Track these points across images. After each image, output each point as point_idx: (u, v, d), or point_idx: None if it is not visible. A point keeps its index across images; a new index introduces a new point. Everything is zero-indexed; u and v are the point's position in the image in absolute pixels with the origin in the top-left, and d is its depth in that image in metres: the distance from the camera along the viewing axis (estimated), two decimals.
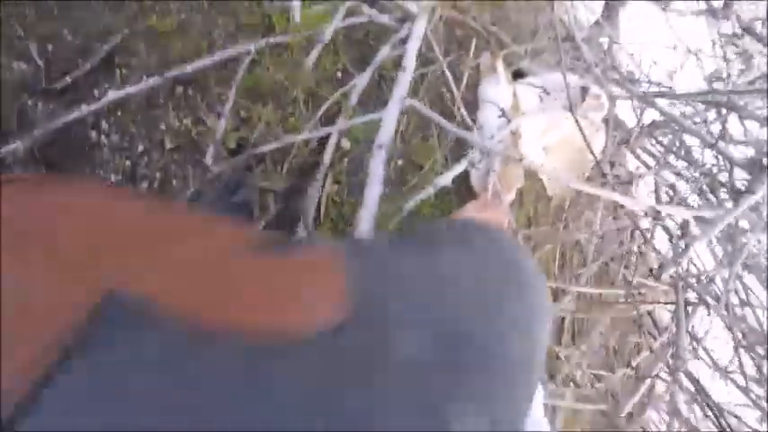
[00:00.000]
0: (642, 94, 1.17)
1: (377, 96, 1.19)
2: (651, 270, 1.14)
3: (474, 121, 1.40)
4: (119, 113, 0.89)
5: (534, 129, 1.37)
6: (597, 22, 1.62)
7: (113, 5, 0.92)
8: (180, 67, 0.89)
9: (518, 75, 1.61)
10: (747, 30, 1.36)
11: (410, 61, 0.93)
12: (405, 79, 0.85)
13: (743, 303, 1.10)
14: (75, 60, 0.87)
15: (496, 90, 1.48)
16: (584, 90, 1.35)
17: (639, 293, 0.96)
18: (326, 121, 1.05)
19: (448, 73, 1.09)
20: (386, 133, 0.80)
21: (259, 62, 1.03)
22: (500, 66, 1.52)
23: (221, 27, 1.05)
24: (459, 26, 1.58)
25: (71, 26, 0.88)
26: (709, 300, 0.96)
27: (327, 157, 1.02)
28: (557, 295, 1.02)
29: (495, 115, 1.41)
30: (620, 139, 1.29)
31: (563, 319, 1.08)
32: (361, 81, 1.06)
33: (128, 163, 0.89)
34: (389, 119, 0.79)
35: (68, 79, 0.85)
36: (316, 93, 1.08)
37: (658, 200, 1.30)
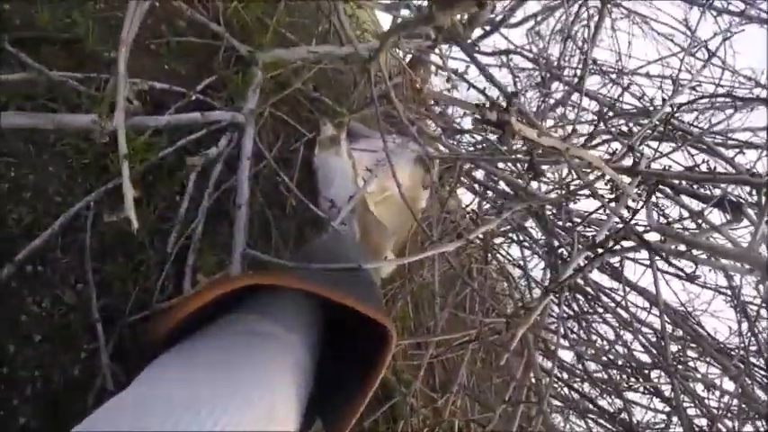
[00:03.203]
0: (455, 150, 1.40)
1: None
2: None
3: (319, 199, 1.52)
4: None
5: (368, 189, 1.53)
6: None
7: None
8: (27, 246, 0.84)
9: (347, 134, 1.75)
10: None
11: (243, 195, 1.01)
12: (241, 224, 0.93)
13: None
14: None
15: (340, 161, 1.60)
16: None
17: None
18: (178, 254, 1.09)
19: (279, 171, 1.17)
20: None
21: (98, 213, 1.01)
22: (343, 137, 1.64)
23: (54, 177, 1.00)
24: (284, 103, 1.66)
25: None
26: None
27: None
28: (420, 347, 1.20)
29: (344, 185, 1.54)
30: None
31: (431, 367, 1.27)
32: (203, 208, 1.11)
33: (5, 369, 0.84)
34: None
35: None
36: (159, 229, 1.11)
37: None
